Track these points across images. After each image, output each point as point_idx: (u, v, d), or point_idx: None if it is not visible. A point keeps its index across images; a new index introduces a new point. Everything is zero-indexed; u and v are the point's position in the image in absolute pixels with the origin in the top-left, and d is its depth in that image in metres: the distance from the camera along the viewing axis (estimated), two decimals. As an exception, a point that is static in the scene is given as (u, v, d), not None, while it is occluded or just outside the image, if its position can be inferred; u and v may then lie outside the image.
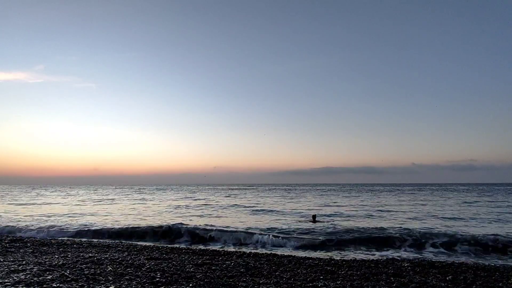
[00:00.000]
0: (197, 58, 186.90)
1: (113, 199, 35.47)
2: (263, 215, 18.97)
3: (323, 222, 15.28)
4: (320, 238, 10.85)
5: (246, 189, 77.99)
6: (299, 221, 15.78)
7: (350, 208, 23.18)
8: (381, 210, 21.20)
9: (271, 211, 20.94)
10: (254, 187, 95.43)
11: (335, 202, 29.07)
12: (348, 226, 13.60)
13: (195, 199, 34.46)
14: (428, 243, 10.14)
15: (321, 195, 44.37)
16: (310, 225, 14.18)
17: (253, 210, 21.52)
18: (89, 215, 19.02)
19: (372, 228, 12.88)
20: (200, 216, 18.51)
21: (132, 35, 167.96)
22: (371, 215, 18.30)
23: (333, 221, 15.49)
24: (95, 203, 29.65)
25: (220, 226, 13.09)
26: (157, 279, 5.23)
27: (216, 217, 18.04)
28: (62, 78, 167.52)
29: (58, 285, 4.79)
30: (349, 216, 17.80)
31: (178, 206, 25.15)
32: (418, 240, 10.35)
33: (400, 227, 12.92)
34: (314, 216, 16.06)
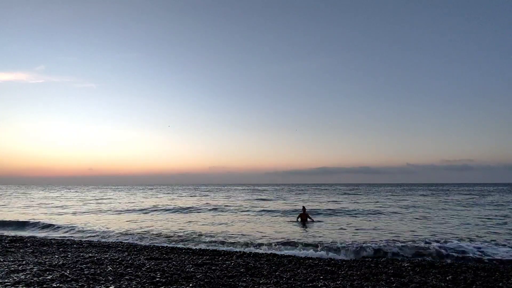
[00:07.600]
0: (197, 58, 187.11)
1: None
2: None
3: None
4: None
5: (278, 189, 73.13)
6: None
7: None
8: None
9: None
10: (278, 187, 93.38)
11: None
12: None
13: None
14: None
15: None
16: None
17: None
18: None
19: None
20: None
21: (132, 35, 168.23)
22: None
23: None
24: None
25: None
26: (157, 279, 5.22)
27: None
28: (63, 78, 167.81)
29: (58, 285, 4.78)
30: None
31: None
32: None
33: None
34: (304, 208, 16.10)
